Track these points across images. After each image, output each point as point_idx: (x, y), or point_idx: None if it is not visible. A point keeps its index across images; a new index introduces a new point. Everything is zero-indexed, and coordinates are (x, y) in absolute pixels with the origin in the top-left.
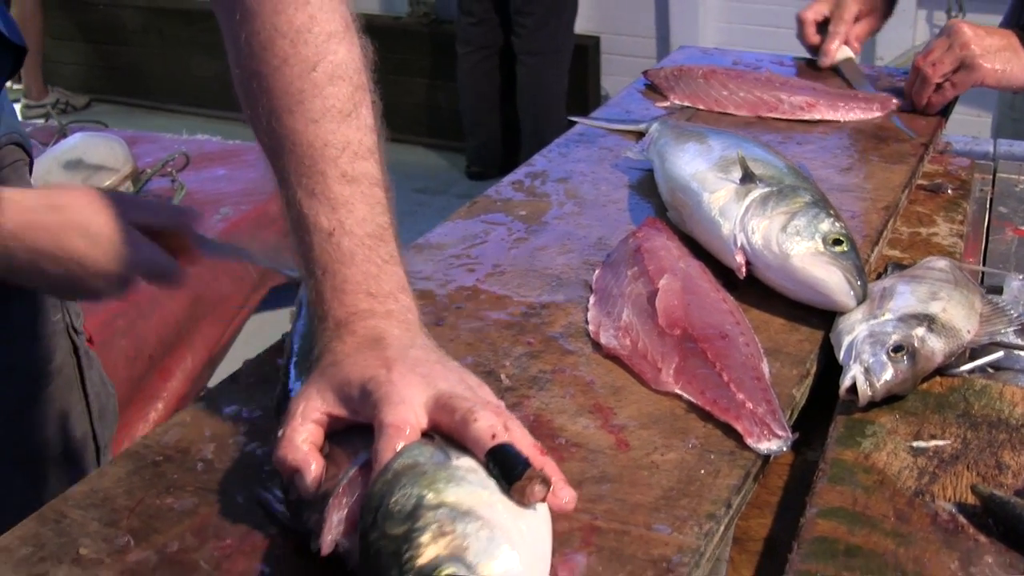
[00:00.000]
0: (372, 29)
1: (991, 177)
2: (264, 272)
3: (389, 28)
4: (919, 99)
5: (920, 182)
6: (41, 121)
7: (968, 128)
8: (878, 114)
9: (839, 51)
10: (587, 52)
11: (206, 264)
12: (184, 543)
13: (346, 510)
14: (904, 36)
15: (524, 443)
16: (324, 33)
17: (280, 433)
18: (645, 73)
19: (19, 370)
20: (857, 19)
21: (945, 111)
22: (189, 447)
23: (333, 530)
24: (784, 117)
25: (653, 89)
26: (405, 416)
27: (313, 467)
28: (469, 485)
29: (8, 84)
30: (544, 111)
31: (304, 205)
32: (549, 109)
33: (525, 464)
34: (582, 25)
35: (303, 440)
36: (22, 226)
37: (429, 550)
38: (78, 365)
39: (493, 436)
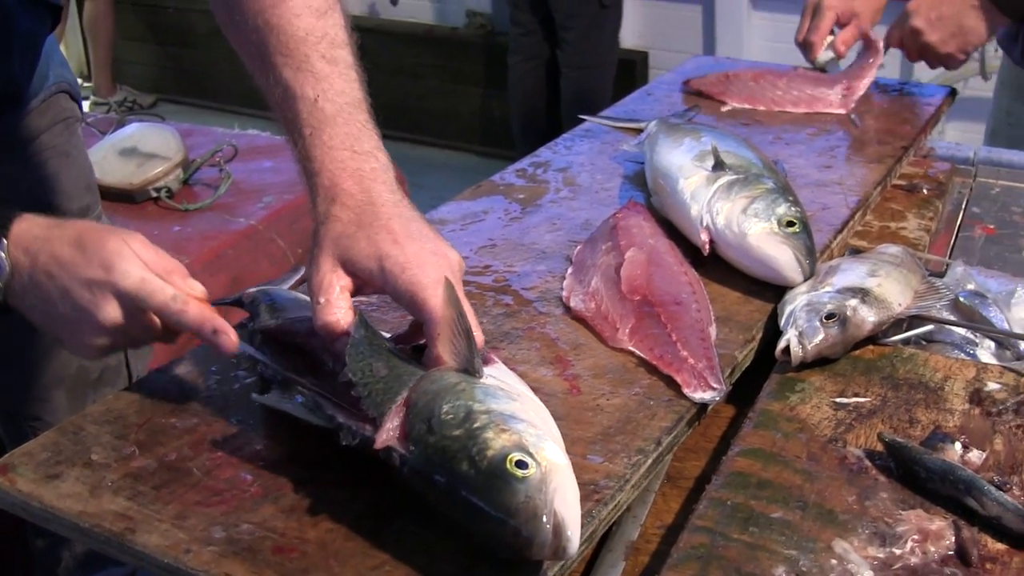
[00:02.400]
0: (430, 39)
1: (971, 180)
2: (302, 257)
3: (446, 39)
4: None
5: (898, 182)
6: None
7: (962, 138)
8: None
9: (823, 53)
10: (635, 66)
11: (245, 248)
12: (182, 454)
13: (402, 418)
14: None
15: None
16: None
17: (321, 301)
18: (686, 83)
19: None
20: (841, 24)
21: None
22: (197, 378)
23: (388, 432)
24: (835, 111)
25: (699, 95)
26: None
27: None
28: (502, 398)
29: (80, 81)
30: None
31: (290, 79)
32: None
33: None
34: (631, 40)
35: (348, 307)
36: (21, 233)
37: (495, 442)
38: None
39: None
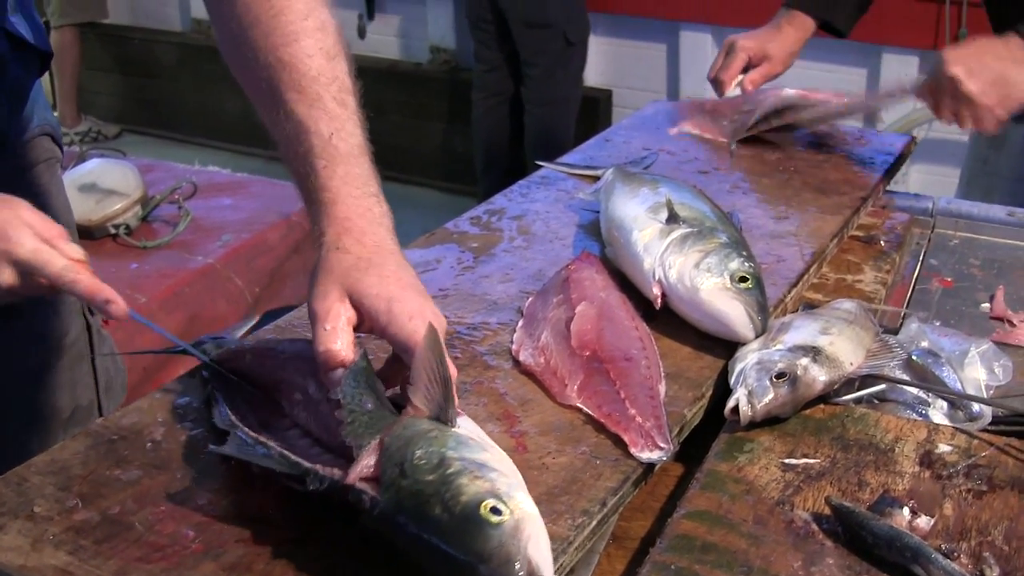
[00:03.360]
0: (394, 75)
1: (929, 231)
2: (259, 296)
3: (410, 74)
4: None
5: (856, 233)
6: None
7: (935, 185)
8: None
9: (731, 90)
10: (599, 104)
11: (202, 286)
12: (125, 507)
13: (376, 458)
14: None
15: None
16: None
17: (327, 328)
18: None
19: (41, 339)
20: (750, 66)
21: None
22: (142, 429)
23: (362, 469)
24: (771, 128)
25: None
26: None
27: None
28: (474, 448)
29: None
30: (549, 159)
31: (304, 115)
32: (554, 158)
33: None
34: (595, 78)
35: (351, 340)
36: None
37: (470, 488)
38: (90, 342)
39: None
